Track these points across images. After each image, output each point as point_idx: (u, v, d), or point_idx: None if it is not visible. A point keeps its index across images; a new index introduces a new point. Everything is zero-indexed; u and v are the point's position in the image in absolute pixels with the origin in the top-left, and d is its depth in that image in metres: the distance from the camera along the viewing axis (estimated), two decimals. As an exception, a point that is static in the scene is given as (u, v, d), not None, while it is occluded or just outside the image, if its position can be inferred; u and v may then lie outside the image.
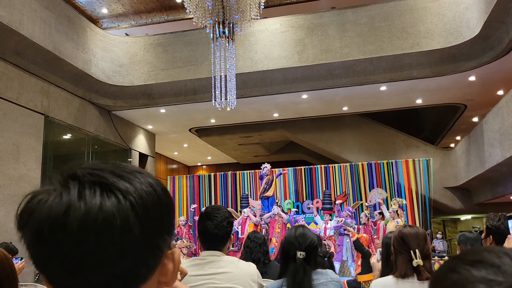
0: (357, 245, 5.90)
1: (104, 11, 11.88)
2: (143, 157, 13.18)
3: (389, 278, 2.11)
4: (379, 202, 9.93)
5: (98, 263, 0.51)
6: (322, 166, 11.64)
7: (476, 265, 0.42)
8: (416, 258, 1.98)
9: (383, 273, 2.44)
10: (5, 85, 8.38)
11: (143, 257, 0.54)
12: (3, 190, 8.13)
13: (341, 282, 2.26)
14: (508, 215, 1.77)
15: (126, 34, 12.25)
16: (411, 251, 2.01)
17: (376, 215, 9.14)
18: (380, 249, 2.84)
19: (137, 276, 0.54)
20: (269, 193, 10.66)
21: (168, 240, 0.58)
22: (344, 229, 8.74)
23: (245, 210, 9.91)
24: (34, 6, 8.48)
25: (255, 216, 9.67)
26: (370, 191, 10.78)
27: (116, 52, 10.87)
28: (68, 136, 11.48)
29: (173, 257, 0.58)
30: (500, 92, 10.47)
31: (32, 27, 8.36)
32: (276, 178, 11.01)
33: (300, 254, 2.09)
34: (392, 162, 11.13)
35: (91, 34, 10.36)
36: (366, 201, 10.50)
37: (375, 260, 2.82)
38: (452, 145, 15.68)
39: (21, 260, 3.43)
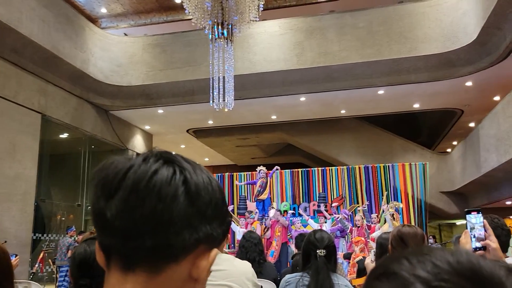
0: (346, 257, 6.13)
1: (103, 10, 11.89)
2: (140, 158, 13.16)
3: None
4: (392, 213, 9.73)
5: (140, 223, 0.55)
6: (319, 169, 11.65)
7: (381, 277, 0.44)
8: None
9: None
10: (2, 83, 8.37)
11: (180, 230, 0.55)
12: (-1, 188, 8.10)
13: None
14: (466, 210, 1.79)
15: (125, 34, 12.25)
16: None
17: (373, 218, 9.14)
18: (374, 250, 2.85)
19: (170, 247, 0.55)
20: (264, 195, 10.58)
21: (208, 234, 0.59)
22: (341, 231, 8.76)
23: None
24: (32, 4, 8.48)
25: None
26: (382, 201, 10.39)
27: (115, 51, 10.88)
28: (65, 135, 11.46)
29: (209, 257, 0.59)
30: (497, 98, 10.52)
31: (30, 25, 8.36)
32: (271, 177, 10.91)
33: (321, 252, 2.27)
34: (389, 166, 11.15)
35: (89, 34, 10.36)
36: (362, 205, 10.51)
37: (369, 260, 2.83)
38: (449, 150, 15.72)
39: (15, 257, 3.43)
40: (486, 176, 9.61)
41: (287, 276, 2.41)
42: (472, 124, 13.07)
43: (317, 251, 2.28)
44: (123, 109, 11.43)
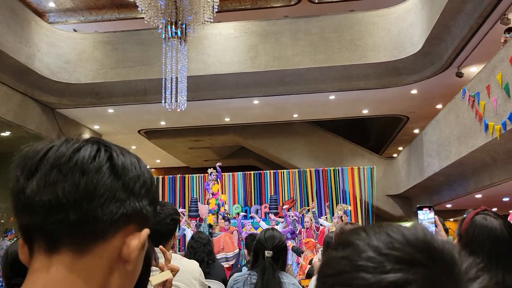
0: (294, 249, 6.24)
1: (51, 5, 11.42)
2: (88, 158, 12.72)
3: None
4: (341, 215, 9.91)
5: (62, 196, 0.53)
6: (271, 171, 11.77)
7: (338, 247, 0.47)
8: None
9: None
10: None
11: (105, 202, 0.54)
12: None
13: None
14: (418, 206, 1.90)
15: (74, 30, 11.83)
16: None
17: (322, 220, 9.33)
18: (322, 248, 2.93)
19: (95, 221, 0.53)
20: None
21: (138, 211, 0.57)
22: (291, 234, 8.87)
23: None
24: (-26, -6, 8.02)
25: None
26: (337, 204, 10.61)
27: (63, 47, 10.47)
28: (6, 134, 10.89)
29: (140, 236, 0.57)
30: (439, 106, 11.08)
31: (-30, 16, 7.89)
32: (217, 179, 10.81)
33: (268, 253, 2.30)
34: (338, 169, 11.46)
35: (36, 28, 9.91)
36: (311, 206, 10.70)
37: (317, 259, 2.90)
38: (395, 155, 16.37)
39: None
40: (429, 180, 10.08)
41: (236, 274, 2.45)
42: (416, 131, 13.68)
43: (265, 252, 2.32)
44: (71, 108, 11.00)
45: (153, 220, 0.62)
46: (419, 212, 1.85)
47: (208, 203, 10.50)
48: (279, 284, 2.25)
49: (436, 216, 1.88)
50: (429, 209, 1.88)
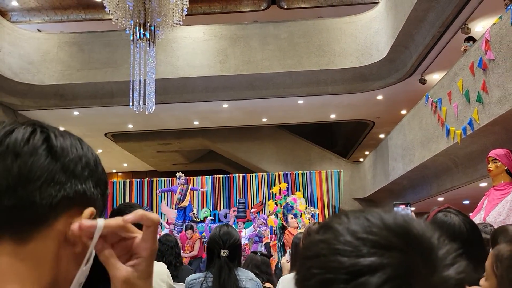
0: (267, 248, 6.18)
1: (14, 3, 11.07)
2: (51, 162, 12.35)
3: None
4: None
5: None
6: (240, 175, 11.78)
7: (320, 230, 0.49)
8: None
9: (292, 271, 2.54)
10: None
11: (42, 185, 0.51)
12: None
13: (260, 283, 2.36)
14: (394, 203, 1.96)
15: (38, 30, 11.49)
16: None
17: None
18: (290, 249, 2.95)
19: (33, 205, 0.51)
20: (185, 203, 10.43)
21: (81, 193, 0.55)
22: (259, 237, 8.89)
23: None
24: None
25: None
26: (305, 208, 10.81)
27: (26, 48, 10.15)
28: (-36, 136, 10.43)
29: (81, 216, 0.55)
30: (403, 111, 11.41)
31: None
32: (193, 190, 10.80)
33: (223, 252, 2.24)
34: (306, 173, 11.59)
35: (-3, 27, 9.58)
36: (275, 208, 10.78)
37: (285, 260, 2.93)
38: (362, 159, 16.71)
39: None
40: (393, 184, 10.34)
41: (190, 277, 2.36)
42: (382, 135, 14.02)
43: (221, 251, 2.26)
44: (34, 109, 10.66)
45: (102, 202, 0.60)
46: (396, 210, 1.91)
47: (176, 208, 10.42)
48: (235, 283, 2.22)
49: (413, 213, 1.95)
50: (406, 206, 1.94)
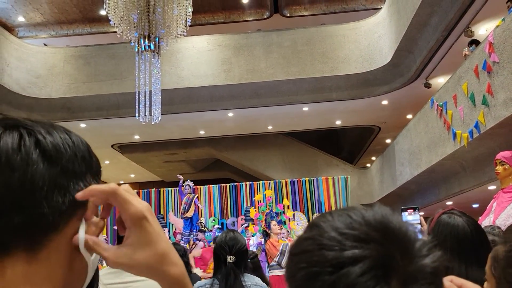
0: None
1: (21, 19, 11.24)
2: (59, 174, 12.44)
3: None
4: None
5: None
6: (247, 183, 11.77)
7: (307, 228, 0.53)
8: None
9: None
10: None
11: (48, 195, 0.50)
12: None
13: None
14: (402, 207, 1.97)
15: (45, 45, 11.64)
16: None
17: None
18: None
19: (43, 217, 0.49)
20: (189, 213, 10.42)
21: (83, 189, 0.53)
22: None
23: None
24: None
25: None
26: (312, 214, 10.79)
27: (33, 62, 10.29)
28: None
29: (84, 215, 0.54)
30: (409, 116, 11.38)
31: None
32: (194, 201, 10.78)
33: (230, 258, 2.25)
34: (313, 180, 11.55)
35: (4, 42, 9.73)
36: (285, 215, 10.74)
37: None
38: (368, 165, 16.64)
39: None
40: (401, 189, 10.29)
41: (197, 283, 2.38)
42: (388, 140, 13.97)
43: (227, 257, 2.27)
44: (42, 123, 10.77)
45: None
46: (403, 214, 1.92)
47: (182, 217, 10.42)
48: None
49: (421, 217, 1.96)
50: (414, 210, 1.95)
